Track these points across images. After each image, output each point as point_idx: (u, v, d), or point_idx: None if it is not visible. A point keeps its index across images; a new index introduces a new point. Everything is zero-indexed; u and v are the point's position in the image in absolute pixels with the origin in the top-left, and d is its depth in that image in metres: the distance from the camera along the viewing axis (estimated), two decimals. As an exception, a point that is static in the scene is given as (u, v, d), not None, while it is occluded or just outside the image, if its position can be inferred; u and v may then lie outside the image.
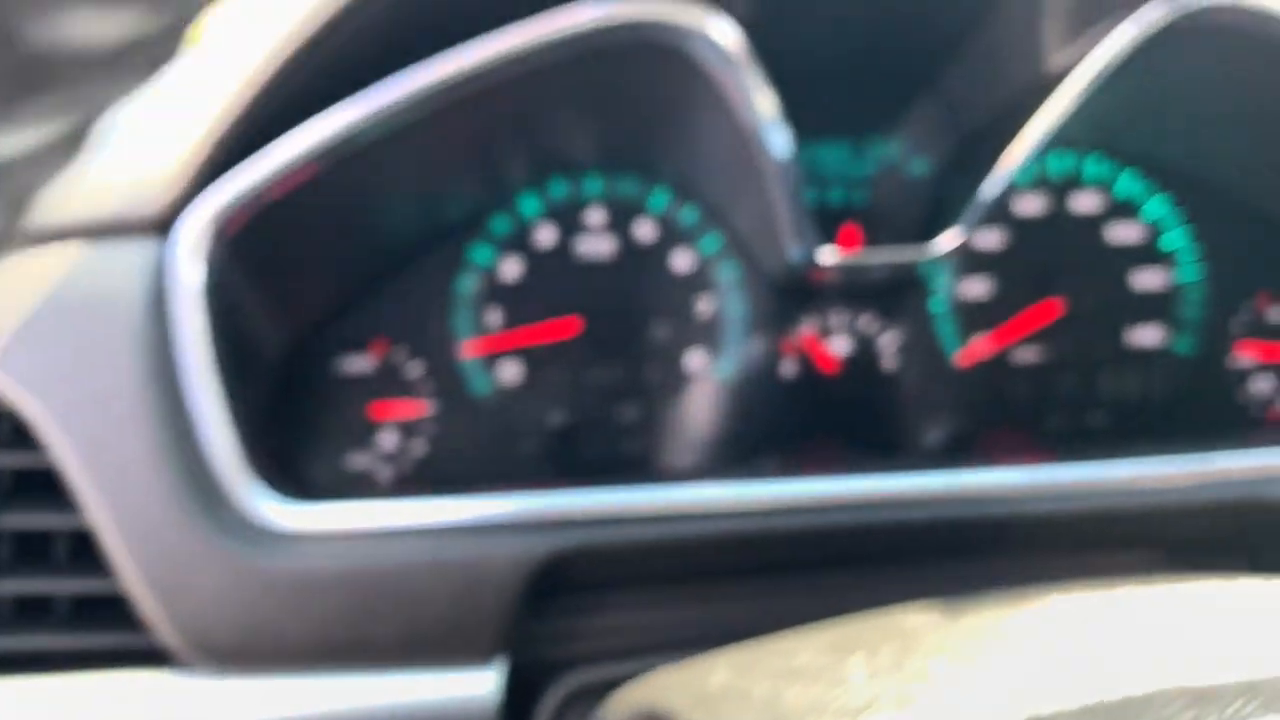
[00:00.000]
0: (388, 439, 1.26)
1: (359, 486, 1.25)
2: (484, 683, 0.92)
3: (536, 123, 1.18)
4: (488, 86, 1.02)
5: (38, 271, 0.95)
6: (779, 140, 1.07)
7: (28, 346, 0.91)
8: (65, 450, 0.89)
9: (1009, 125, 1.16)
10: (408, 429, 1.27)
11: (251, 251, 1.02)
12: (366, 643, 0.90)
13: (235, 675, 0.90)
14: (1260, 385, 1.37)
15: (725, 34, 0.99)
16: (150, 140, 1.00)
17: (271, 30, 0.95)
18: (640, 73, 1.07)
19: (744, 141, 1.08)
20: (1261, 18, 1.03)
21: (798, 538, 0.98)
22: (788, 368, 1.32)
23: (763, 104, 1.04)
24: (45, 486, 0.91)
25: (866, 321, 1.33)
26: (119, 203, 0.96)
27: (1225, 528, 1.05)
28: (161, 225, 0.96)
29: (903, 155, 1.36)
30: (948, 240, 1.17)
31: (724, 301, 1.32)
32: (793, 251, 1.15)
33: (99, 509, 0.89)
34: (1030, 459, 1.04)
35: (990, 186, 1.14)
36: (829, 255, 1.16)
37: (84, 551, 0.91)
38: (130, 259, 0.94)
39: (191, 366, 0.94)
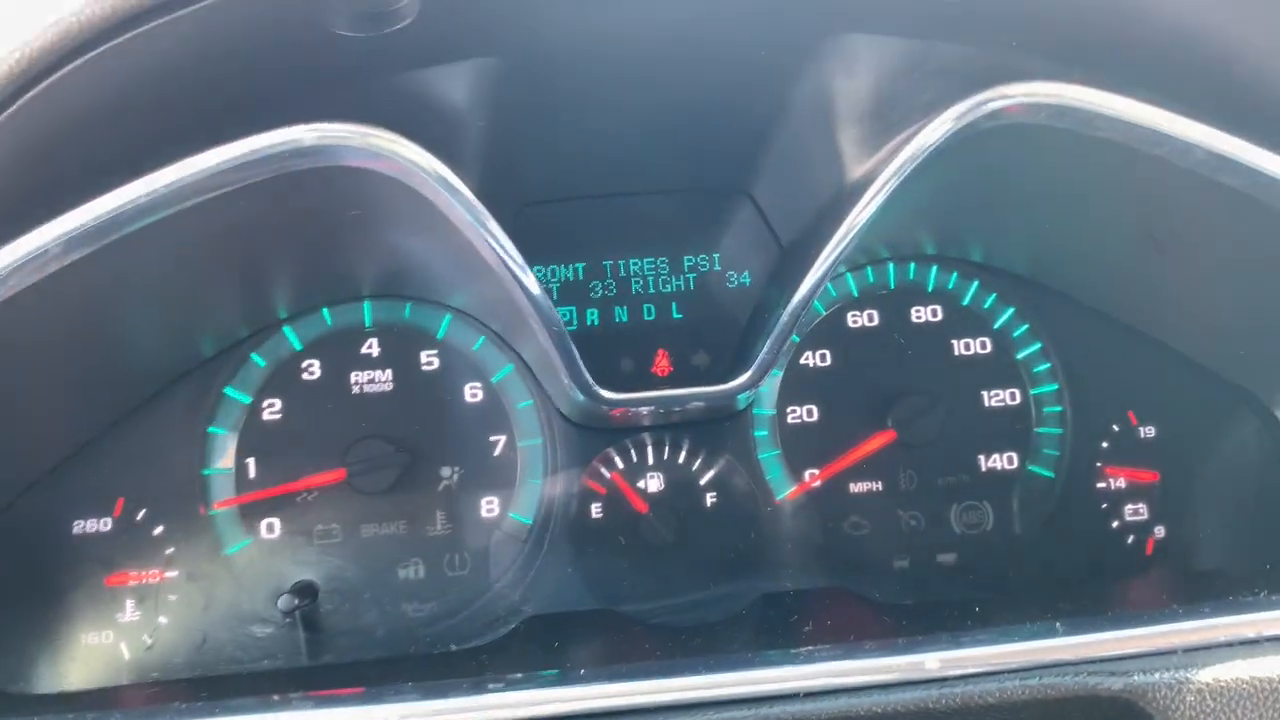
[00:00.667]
0: (128, 610, 1.10)
1: (97, 669, 1.08)
2: None
3: (286, 248, 1.03)
4: (193, 218, 0.87)
5: None
6: (527, 278, 0.92)
7: None
8: None
9: (819, 235, 1.02)
10: (152, 598, 1.10)
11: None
12: None
13: None
14: (1135, 512, 1.23)
15: (422, 161, 0.84)
16: None
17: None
18: (366, 202, 0.92)
19: (497, 277, 0.94)
20: (1080, 115, 0.89)
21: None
22: (595, 509, 1.16)
23: (494, 239, 0.89)
24: None
25: (683, 454, 1.18)
26: None
27: (1078, 717, 0.90)
28: None
29: (721, 269, 1.22)
30: (751, 376, 1.03)
31: (519, 436, 1.16)
32: (575, 396, 1.01)
33: None
34: (865, 635, 0.89)
35: (795, 304, 1.00)
36: (620, 398, 1.02)
37: None
38: None
39: None
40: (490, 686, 0.85)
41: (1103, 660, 0.87)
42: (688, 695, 0.84)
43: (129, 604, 1.10)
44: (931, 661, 0.87)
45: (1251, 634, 0.88)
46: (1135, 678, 0.85)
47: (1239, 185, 0.92)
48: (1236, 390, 1.17)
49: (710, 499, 1.18)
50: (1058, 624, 0.90)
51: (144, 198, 0.81)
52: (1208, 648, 0.87)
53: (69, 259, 0.83)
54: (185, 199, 0.83)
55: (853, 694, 0.84)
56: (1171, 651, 0.87)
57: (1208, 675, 0.84)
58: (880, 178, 0.94)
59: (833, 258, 0.98)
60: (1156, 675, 0.85)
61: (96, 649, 1.09)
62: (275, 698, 0.85)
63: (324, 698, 0.84)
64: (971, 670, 0.86)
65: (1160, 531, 1.23)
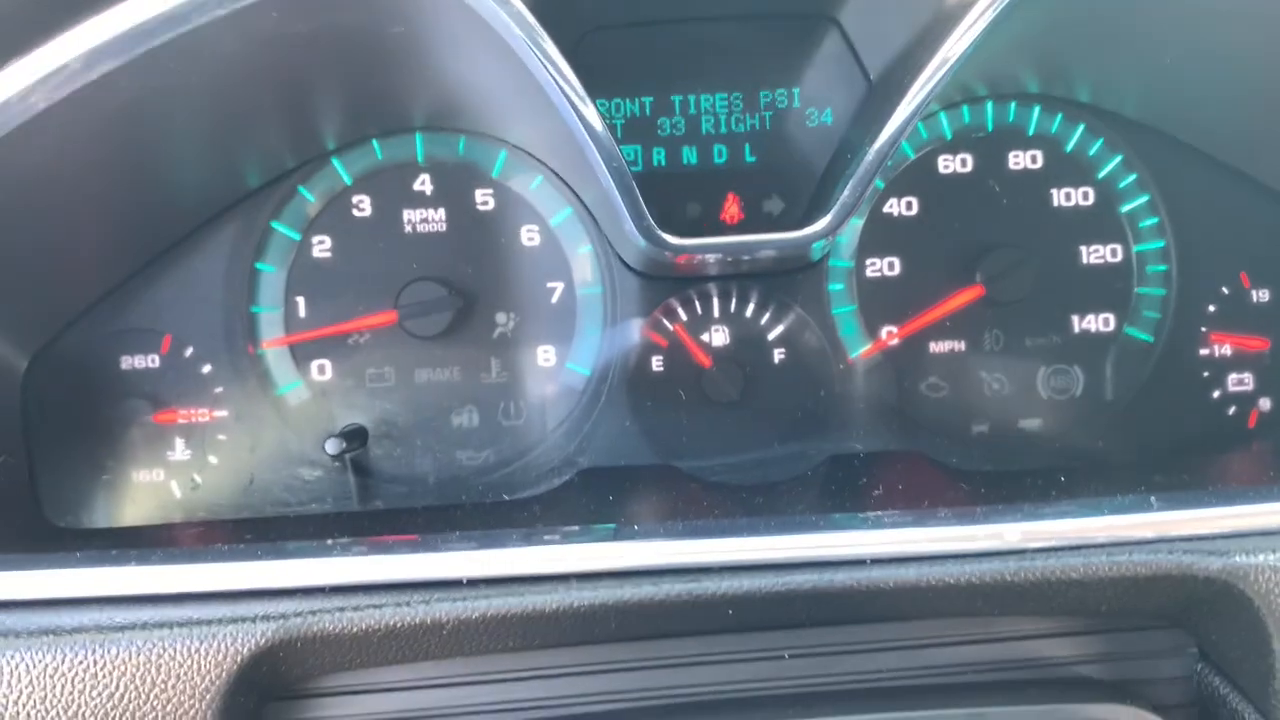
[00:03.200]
0: (179, 448, 1.08)
1: (145, 506, 1.07)
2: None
3: (331, 73, 0.96)
4: (228, 32, 0.80)
5: None
6: (587, 109, 0.84)
7: None
8: None
9: (911, 67, 0.92)
10: (200, 436, 1.08)
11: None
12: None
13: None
14: (1239, 382, 1.14)
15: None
16: None
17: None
18: (409, 19, 0.84)
19: (556, 109, 0.86)
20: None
21: (612, 612, 0.78)
22: (656, 363, 1.11)
23: (551, 64, 0.81)
24: None
25: (750, 308, 1.11)
26: None
27: (1164, 599, 0.83)
28: None
29: (800, 106, 1.12)
30: (829, 222, 0.94)
31: (577, 284, 1.10)
32: (636, 239, 0.94)
33: None
34: (939, 502, 0.84)
35: (881, 144, 0.91)
36: (684, 243, 0.95)
37: None
38: None
39: None
40: (544, 539, 0.82)
41: (1199, 538, 0.81)
42: (748, 556, 0.80)
43: (178, 442, 1.08)
44: (1011, 532, 0.81)
45: (1369, 515, 0.80)
46: (1236, 558, 0.79)
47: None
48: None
49: (778, 355, 1.11)
50: (1151, 498, 0.83)
51: (168, 7, 0.75)
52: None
53: (94, 74, 0.77)
54: (213, 8, 0.76)
55: (924, 563, 0.79)
56: (1276, 532, 0.80)
57: None
58: (981, 2, 0.83)
59: (925, 92, 0.89)
60: (1260, 557, 0.79)
61: (147, 486, 1.08)
62: (328, 542, 0.82)
63: (376, 544, 0.82)
64: (1054, 544, 0.81)
65: (1265, 404, 1.14)
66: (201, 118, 0.96)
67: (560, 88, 0.84)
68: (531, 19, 0.80)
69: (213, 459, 1.08)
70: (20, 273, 0.94)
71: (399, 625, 0.77)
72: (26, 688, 0.74)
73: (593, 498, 1.00)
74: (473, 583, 0.79)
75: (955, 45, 0.88)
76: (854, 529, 0.81)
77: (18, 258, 0.93)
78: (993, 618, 0.88)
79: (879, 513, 0.84)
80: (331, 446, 0.99)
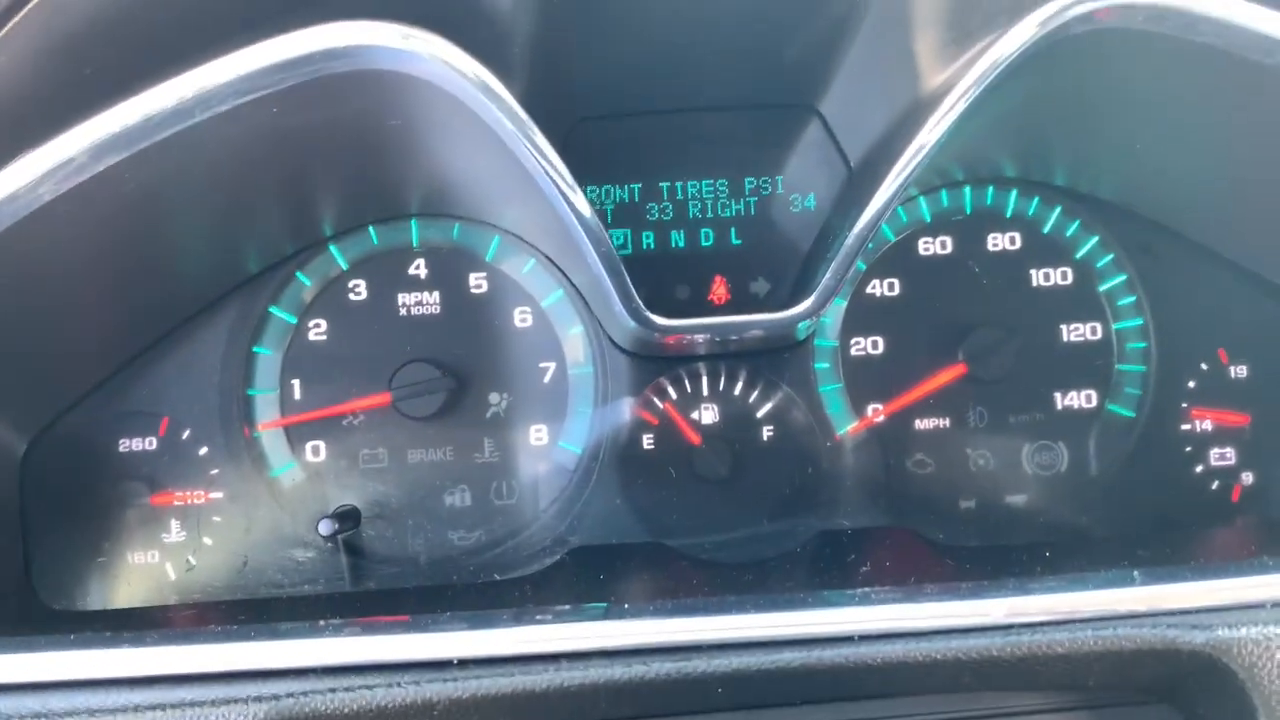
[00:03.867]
0: (174, 530, 1.09)
1: (139, 588, 1.08)
2: None
3: (329, 163, 0.99)
4: (224, 124, 0.83)
5: None
6: (576, 197, 0.87)
7: None
8: None
9: (890, 153, 0.96)
10: (195, 519, 1.09)
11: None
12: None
13: None
14: (1221, 457, 1.15)
15: (465, 68, 0.79)
16: None
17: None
18: (407, 112, 0.87)
19: (546, 196, 0.89)
20: (1182, 17, 0.81)
21: (604, 692, 0.79)
22: (647, 441, 1.12)
23: (540, 155, 0.84)
24: None
25: (739, 386, 1.13)
26: None
27: (1151, 673, 0.84)
28: None
29: (784, 191, 1.16)
30: (812, 303, 0.97)
31: (569, 365, 1.12)
32: (623, 317, 0.96)
33: None
34: (926, 578, 0.85)
35: (861, 227, 0.94)
36: (673, 324, 0.97)
37: None
38: None
39: None
40: (535, 618, 0.82)
41: (1183, 612, 0.82)
42: (737, 634, 0.80)
43: (174, 524, 1.09)
44: (997, 608, 0.82)
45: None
46: (1219, 632, 0.80)
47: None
48: (1339, 329, 1.09)
49: (767, 433, 1.13)
50: (1135, 573, 0.84)
51: (174, 102, 0.78)
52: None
53: (100, 166, 0.80)
54: (215, 105, 0.79)
55: (911, 639, 0.80)
56: (1260, 605, 0.82)
57: None
58: (956, 90, 0.88)
59: (903, 177, 0.92)
60: (1243, 630, 0.80)
61: (142, 568, 1.09)
62: (320, 623, 0.83)
63: (368, 625, 0.83)
64: (1040, 619, 0.81)
65: (1248, 478, 1.16)
66: (202, 207, 0.99)
67: (550, 177, 0.87)
68: (521, 112, 0.83)
69: (207, 540, 1.09)
70: (21, 357, 0.96)
71: (390, 706, 0.77)
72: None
73: (583, 577, 1.01)
74: (464, 663, 0.79)
75: (930, 133, 0.91)
76: (842, 606, 0.82)
77: (19, 343, 0.95)
78: (982, 693, 0.88)
79: (867, 589, 0.85)
80: (324, 528, 1.01)
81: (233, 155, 0.91)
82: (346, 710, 0.77)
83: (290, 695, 0.77)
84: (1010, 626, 0.81)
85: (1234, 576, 0.83)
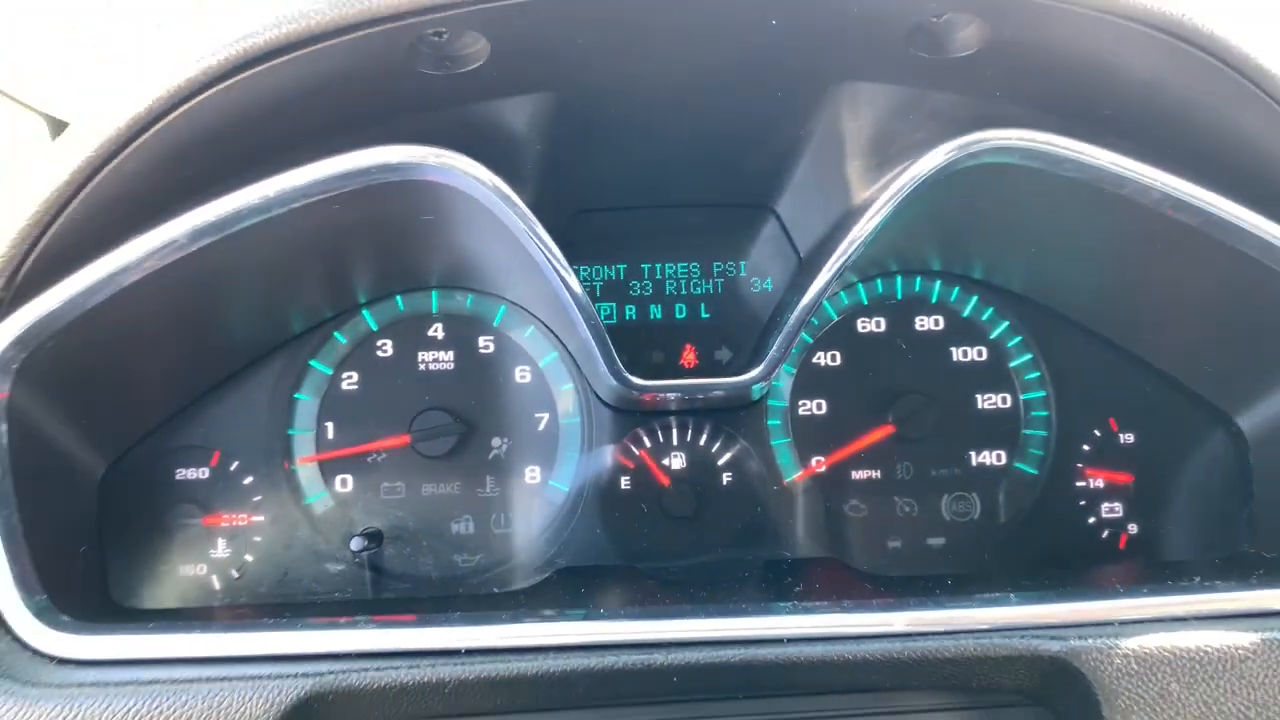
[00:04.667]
0: (220, 547, 1.28)
1: (192, 594, 1.27)
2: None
3: (364, 249, 1.21)
4: (292, 218, 1.04)
5: None
6: (570, 278, 1.09)
7: None
8: None
9: (830, 247, 1.17)
10: (240, 538, 1.28)
11: (54, 378, 1.04)
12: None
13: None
14: (1110, 510, 1.36)
15: (484, 177, 1.00)
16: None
17: (58, 164, 0.97)
18: (437, 209, 1.09)
19: (545, 275, 1.10)
20: (1054, 158, 1.03)
21: (582, 677, 0.98)
22: (624, 482, 1.33)
23: (542, 243, 1.05)
24: None
25: (704, 438, 1.33)
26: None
27: (1023, 677, 1.04)
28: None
29: (746, 275, 1.37)
30: (762, 370, 1.18)
31: (560, 415, 1.33)
32: (608, 380, 1.17)
33: None
34: (847, 596, 1.05)
35: (798, 311, 1.15)
36: (648, 384, 1.18)
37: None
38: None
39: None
40: (527, 619, 1.02)
41: (1046, 627, 1.01)
42: (692, 635, 0.99)
43: (221, 542, 1.29)
44: (900, 620, 1.02)
45: (1180, 613, 1.01)
46: (1072, 642, 0.99)
47: (1193, 223, 1.06)
48: (1206, 405, 1.30)
49: (726, 478, 1.33)
50: (1012, 595, 1.04)
51: (258, 199, 0.99)
52: (1139, 621, 1.01)
53: (193, 247, 1.01)
54: (290, 202, 1.00)
55: (832, 642, 1.00)
56: (1108, 623, 1.01)
57: (1134, 644, 0.97)
58: (878, 201, 1.09)
59: (837, 266, 1.13)
60: (1090, 641, 0.99)
61: (192, 579, 1.28)
62: (343, 620, 1.02)
63: (385, 621, 1.01)
64: (932, 629, 1.01)
65: (1133, 529, 1.36)
66: (261, 280, 1.19)
67: (550, 261, 1.08)
68: (529, 212, 1.05)
69: (249, 557, 1.28)
70: (106, 398, 1.16)
71: (409, 683, 0.96)
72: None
73: (568, 590, 1.20)
74: (469, 652, 0.98)
75: (859, 231, 1.12)
76: (777, 615, 1.01)
77: (106, 386, 1.15)
78: (891, 694, 1.08)
79: (798, 603, 1.04)
80: (355, 544, 1.20)
81: (292, 240, 1.11)
82: (374, 685, 0.95)
83: (330, 673, 0.95)
84: (910, 635, 1.00)
85: (1088, 601, 1.03)
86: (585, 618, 1.02)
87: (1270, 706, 0.96)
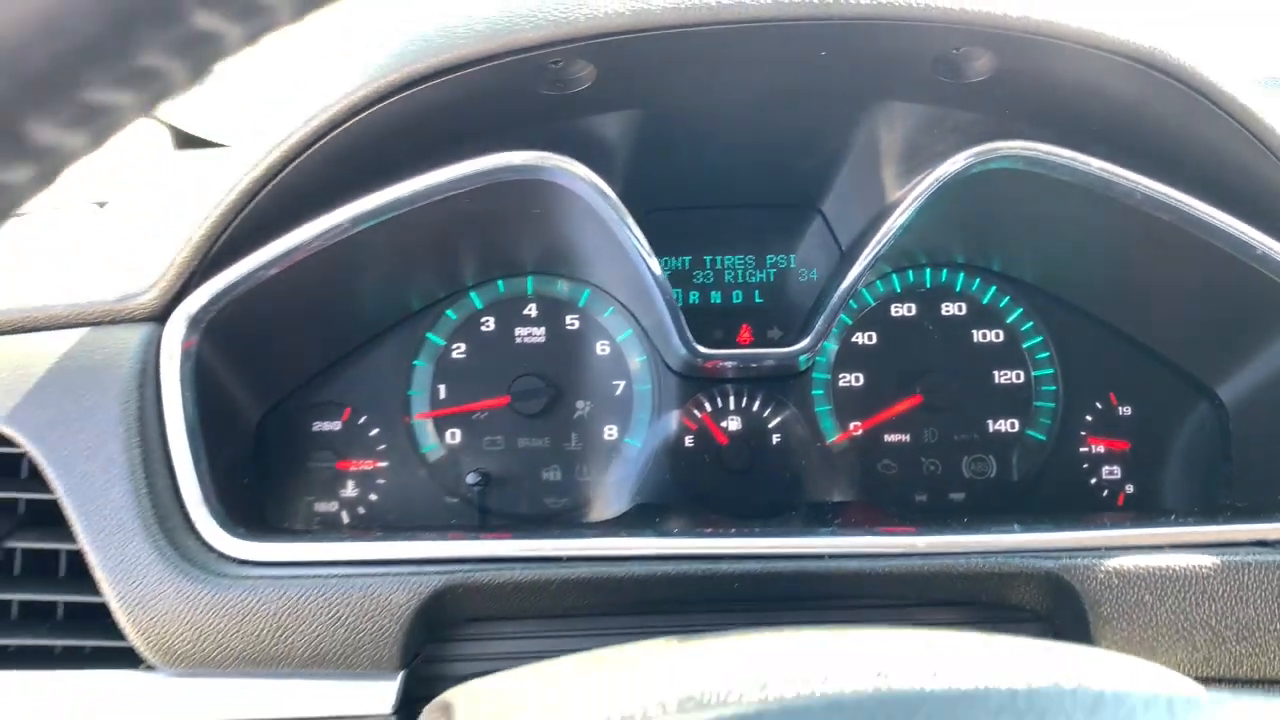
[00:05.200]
0: (349, 488, 1.52)
1: (323, 526, 1.51)
2: (384, 693, 1.15)
3: (477, 238, 1.45)
4: (430, 209, 1.28)
5: (50, 349, 1.21)
6: (652, 262, 1.32)
7: (41, 403, 1.18)
8: (64, 490, 1.15)
9: (866, 241, 1.40)
10: (366, 481, 1.53)
11: (229, 336, 1.29)
12: (289, 654, 1.14)
13: (188, 677, 1.14)
14: (1110, 473, 1.57)
15: (591, 178, 1.24)
16: (148, 235, 1.27)
17: (245, 155, 1.22)
18: (545, 203, 1.33)
19: (630, 260, 1.34)
20: (1053, 164, 1.25)
21: (669, 581, 1.20)
22: (688, 440, 1.55)
23: (632, 232, 1.29)
24: (53, 516, 1.17)
25: (756, 403, 1.56)
26: (121, 294, 1.23)
27: (1031, 595, 1.24)
28: (156, 316, 1.23)
29: (795, 266, 1.60)
30: (809, 342, 1.41)
31: (635, 383, 1.56)
32: (679, 349, 1.40)
33: (88, 540, 1.14)
34: (874, 526, 1.26)
35: (839, 294, 1.38)
36: (712, 352, 1.42)
37: (79, 569, 1.16)
38: (127, 341, 1.21)
39: (173, 429, 1.20)
40: (610, 535, 1.24)
41: (1043, 550, 1.20)
42: (749, 550, 1.20)
43: (350, 483, 1.53)
44: (922, 543, 1.23)
45: (1157, 541, 1.20)
46: (1064, 561, 1.19)
47: (1172, 220, 1.27)
48: (1192, 380, 1.51)
49: (775, 438, 1.56)
50: (1015, 525, 1.25)
51: (407, 193, 1.23)
52: (1122, 547, 1.20)
53: (352, 232, 1.25)
54: (431, 196, 1.24)
55: (863, 559, 1.20)
56: (1096, 549, 1.22)
57: (1116, 564, 1.16)
58: (906, 200, 1.31)
59: (871, 256, 1.35)
60: (1079, 561, 1.19)
61: (326, 513, 1.52)
62: (452, 533, 1.25)
63: (498, 537, 1.24)
64: (949, 551, 1.22)
65: (1129, 489, 1.56)
66: (391, 265, 1.43)
67: (637, 247, 1.32)
68: (620, 205, 1.28)
69: (373, 496, 1.53)
70: (263, 358, 1.41)
71: (522, 581, 1.17)
72: (286, 610, 1.16)
73: (642, 519, 1.44)
74: (568, 559, 1.20)
75: (891, 225, 1.33)
76: (818, 536, 1.23)
77: (265, 348, 1.40)
78: (914, 611, 1.29)
79: (837, 528, 1.26)
80: (471, 478, 1.45)
81: (418, 232, 1.35)
82: (493, 582, 1.16)
83: (457, 571, 1.17)
84: (930, 554, 1.20)
85: (1079, 531, 1.23)
86: (659, 534, 1.24)
87: (1227, 615, 1.16)
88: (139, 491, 1.16)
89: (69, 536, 1.15)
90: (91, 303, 1.24)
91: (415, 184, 1.22)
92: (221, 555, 1.18)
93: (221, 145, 1.92)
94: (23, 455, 1.19)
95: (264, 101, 1.98)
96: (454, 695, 0.89)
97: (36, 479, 1.18)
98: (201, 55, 0.38)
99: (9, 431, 1.17)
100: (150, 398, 1.20)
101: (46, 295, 1.26)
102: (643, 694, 0.69)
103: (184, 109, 2.05)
